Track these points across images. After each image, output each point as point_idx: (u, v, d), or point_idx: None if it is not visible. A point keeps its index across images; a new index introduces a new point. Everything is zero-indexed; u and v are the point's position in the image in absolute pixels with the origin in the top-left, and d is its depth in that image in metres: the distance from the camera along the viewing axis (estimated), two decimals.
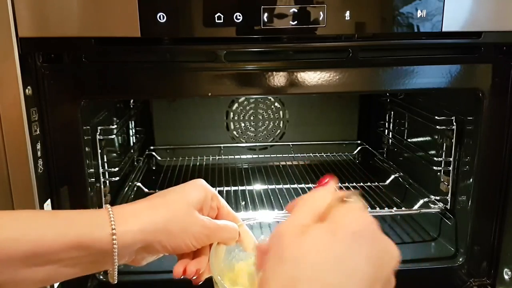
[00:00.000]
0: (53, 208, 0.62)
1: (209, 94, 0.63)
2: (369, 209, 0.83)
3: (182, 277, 0.45)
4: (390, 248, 0.31)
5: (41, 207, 0.59)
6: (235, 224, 0.48)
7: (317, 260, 0.28)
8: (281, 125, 1.17)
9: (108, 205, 0.43)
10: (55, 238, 0.38)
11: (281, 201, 0.88)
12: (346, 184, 0.96)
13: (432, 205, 0.81)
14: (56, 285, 0.63)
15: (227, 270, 0.48)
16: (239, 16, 0.55)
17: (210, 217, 0.47)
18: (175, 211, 0.43)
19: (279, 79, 0.62)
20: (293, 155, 1.16)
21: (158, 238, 0.42)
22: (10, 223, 0.38)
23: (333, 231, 0.30)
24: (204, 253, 0.46)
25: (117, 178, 0.82)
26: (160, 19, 0.54)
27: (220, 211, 0.49)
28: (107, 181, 0.79)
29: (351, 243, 0.29)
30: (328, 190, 0.35)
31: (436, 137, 0.83)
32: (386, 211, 0.82)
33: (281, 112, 1.16)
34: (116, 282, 0.43)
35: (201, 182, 0.48)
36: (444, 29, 0.59)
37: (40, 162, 0.59)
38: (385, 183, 0.97)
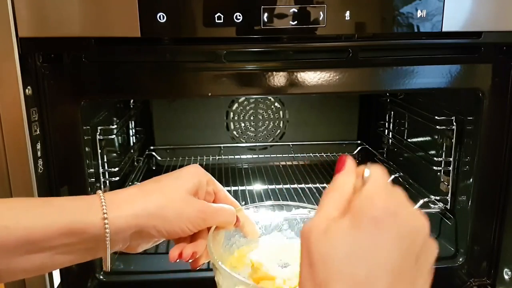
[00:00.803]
0: None
1: (209, 94, 0.63)
2: None
3: (177, 260, 0.45)
4: (416, 222, 0.29)
5: None
6: (232, 207, 0.47)
7: (344, 256, 0.28)
8: (281, 125, 1.17)
9: (100, 190, 0.42)
10: (47, 225, 0.38)
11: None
12: None
13: (432, 205, 0.81)
14: (56, 285, 0.63)
15: (227, 255, 0.47)
16: (239, 16, 0.55)
17: (207, 201, 0.46)
18: (169, 196, 0.43)
19: (279, 79, 0.62)
20: (293, 155, 1.16)
21: (152, 223, 0.42)
22: (2, 211, 0.38)
23: (355, 222, 0.29)
24: (202, 236, 0.46)
25: (117, 178, 0.82)
26: (160, 19, 0.54)
27: (217, 195, 0.48)
28: (107, 181, 0.79)
29: (374, 230, 0.28)
30: (347, 174, 0.33)
31: (436, 137, 0.83)
32: None
33: (281, 112, 1.16)
34: (109, 270, 0.43)
35: (195, 167, 0.47)
36: (444, 29, 0.59)
37: (40, 162, 0.59)
38: None
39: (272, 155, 1.17)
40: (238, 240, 0.49)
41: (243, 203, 0.88)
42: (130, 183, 0.95)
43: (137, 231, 0.42)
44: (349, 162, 0.34)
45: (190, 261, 0.46)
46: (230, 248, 0.49)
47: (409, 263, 0.28)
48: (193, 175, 0.46)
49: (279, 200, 0.89)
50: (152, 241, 0.46)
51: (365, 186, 0.31)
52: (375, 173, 0.31)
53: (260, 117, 1.16)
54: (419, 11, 0.58)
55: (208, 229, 0.46)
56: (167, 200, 0.42)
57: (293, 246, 0.49)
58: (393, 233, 0.28)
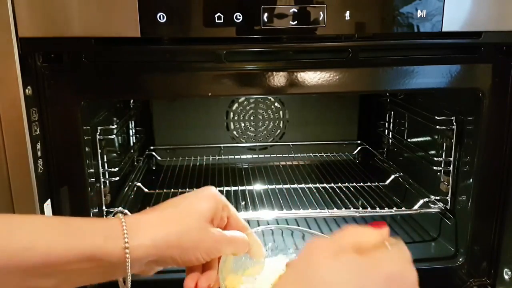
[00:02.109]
0: (53, 208, 0.62)
1: (209, 94, 0.63)
2: (369, 209, 0.83)
3: None
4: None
5: (41, 207, 0.59)
6: (245, 236, 0.48)
7: (343, 284, 0.29)
8: (281, 125, 1.17)
9: (120, 214, 0.42)
10: (66, 249, 0.38)
11: (281, 201, 0.88)
12: (346, 184, 0.96)
13: (432, 205, 0.81)
14: None
15: (234, 278, 0.48)
16: (239, 16, 0.55)
17: (219, 227, 0.46)
18: (188, 226, 0.43)
19: (279, 79, 0.62)
20: (293, 155, 1.16)
21: (170, 253, 0.42)
22: (20, 231, 0.37)
23: (368, 266, 0.30)
24: (213, 266, 0.46)
25: (117, 178, 0.82)
26: (160, 19, 0.54)
27: (230, 220, 0.48)
28: (107, 181, 0.79)
29: (382, 284, 0.30)
30: (379, 232, 0.35)
31: (436, 137, 0.83)
32: (386, 211, 0.82)
33: (281, 112, 1.16)
34: None
35: (212, 191, 0.47)
36: (444, 29, 0.59)
37: (40, 162, 0.59)
38: (385, 183, 0.97)
39: (272, 155, 1.17)
40: (245, 262, 0.50)
41: (243, 203, 0.88)
42: (130, 183, 0.95)
43: (154, 259, 0.42)
44: (385, 229, 0.36)
45: None
46: (238, 271, 0.49)
47: None
48: (210, 201, 0.46)
49: (279, 200, 0.89)
50: (165, 267, 0.46)
51: (394, 249, 0.33)
52: (403, 247, 0.34)
53: (260, 117, 1.16)
54: (419, 11, 0.58)
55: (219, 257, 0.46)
56: (186, 230, 0.42)
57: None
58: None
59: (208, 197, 0.46)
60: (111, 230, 0.40)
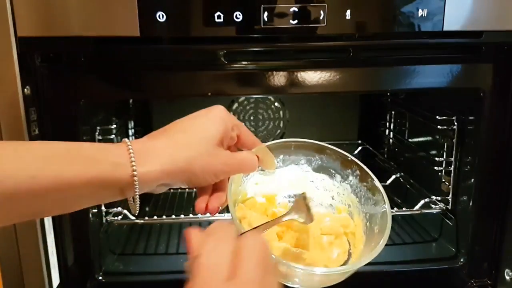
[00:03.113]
0: None
1: (209, 94, 0.62)
2: None
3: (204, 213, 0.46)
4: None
5: None
6: (254, 157, 0.47)
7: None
8: (281, 125, 1.17)
9: (126, 139, 0.42)
10: (74, 175, 0.38)
11: None
12: None
13: (433, 206, 0.81)
14: (55, 286, 0.63)
15: (242, 195, 0.51)
16: (239, 15, 0.55)
17: (229, 145, 0.47)
18: (197, 151, 0.43)
19: (279, 79, 0.62)
20: None
21: (179, 178, 0.42)
22: (27, 158, 0.37)
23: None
24: (223, 186, 0.47)
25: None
26: (159, 18, 0.54)
27: (241, 136, 0.48)
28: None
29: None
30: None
31: (437, 137, 0.83)
32: None
33: (281, 112, 1.16)
34: (137, 212, 0.44)
35: (221, 111, 0.46)
36: (445, 29, 0.58)
37: None
38: (386, 183, 0.97)
39: None
40: (256, 174, 0.51)
41: None
42: None
43: (163, 183, 0.42)
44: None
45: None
46: (246, 185, 0.51)
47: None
48: (219, 122, 0.45)
49: None
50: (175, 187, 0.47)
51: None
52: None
53: (260, 117, 1.15)
54: (420, 11, 0.57)
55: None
56: (194, 156, 0.42)
57: (306, 178, 0.53)
58: None
59: (217, 118, 0.45)
60: (119, 157, 0.40)
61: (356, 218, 0.51)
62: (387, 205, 0.47)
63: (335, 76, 0.62)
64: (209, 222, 0.75)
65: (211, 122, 0.45)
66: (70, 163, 0.39)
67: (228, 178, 0.47)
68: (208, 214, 0.48)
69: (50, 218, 0.62)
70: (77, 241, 0.66)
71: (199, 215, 0.78)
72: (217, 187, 0.47)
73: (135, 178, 0.40)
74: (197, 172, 0.43)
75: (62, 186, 0.38)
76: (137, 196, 0.41)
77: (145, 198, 0.98)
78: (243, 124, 0.49)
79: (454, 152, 0.75)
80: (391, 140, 1.09)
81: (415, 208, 0.81)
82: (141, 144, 0.42)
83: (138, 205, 0.42)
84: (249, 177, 0.52)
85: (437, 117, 0.78)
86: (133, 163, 0.40)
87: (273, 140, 1.18)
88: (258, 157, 0.48)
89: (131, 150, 0.40)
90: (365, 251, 0.46)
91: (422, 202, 0.81)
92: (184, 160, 0.42)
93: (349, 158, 0.51)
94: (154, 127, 1.12)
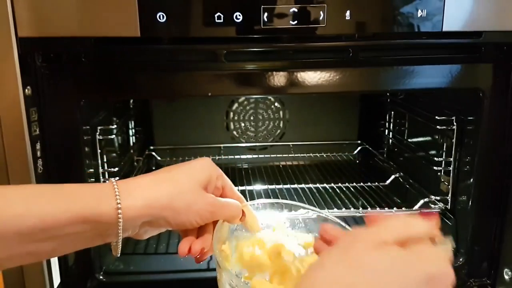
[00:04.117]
0: None
1: (209, 94, 0.62)
2: (370, 209, 0.83)
3: (187, 256, 0.45)
4: (436, 270, 0.31)
5: None
6: (239, 203, 0.48)
7: (379, 279, 0.29)
8: (281, 125, 1.17)
9: (112, 178, 0.43)
10: (60, 213, 0.38)
11: None
12: (346, 184, 0.96)
13: (432, 205, 0.81)
14: (55, 285, 0.63)
15: (228, 247, 0.48)
16: (239, 15, 0.55)
17: (214, 195, 0.47)
18: (180, 188, 0.43)
19: (279, 79, 0.62)
20: (293, 155, 1.15)
21: (163, 214, 0.42)
22: (14, 199, 0.38)
23: (408, 262, 0.30)
24: (208, 231, 0.47)
25: (117, 178, 0.81)
26: (160, 18, 0.54)
27: (225, 190, 0.49)
28: (107, 181, 0.78)
29: (422, 281, 0.30)
30: (427, 224, 0.35)
31: (437, 137, 0.83)
32: (386, 211, 0.82)
33: (281, 112, 1.16)
34: (119, 255, 0.44)
35: (207, 160, 0.47)
36: (444, 29, 0.58)
37: (40, 162, 0.59)
38: (386, 183, 0.97)
39: (272, 155, 1.17)
40: (241, 234, 0.50)
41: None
42: None
43: (147, 220, 0.42)
44: (436, 221, 0.36)
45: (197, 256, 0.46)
46: (232, 242, 0.50)
47: None
48: (204, 168, 0.46)
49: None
50: (159, 230, 0.47)
51: (439, 246, 0.33)
52: (449, 247, 0.34)
53: (260, 117, 1.16)
54: (419, 11, 0.57)
55: (214, 223, 0.46)
56: (178, 191, 0.43)
57: (289, 243, 0.50)
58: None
59: (202, 165, 0.46)
60: (104, 193, 0.40)
61: None
62: None
63: (335, 76, 0.62)
64: None
65: (196, 167, 0.46)
66: (56, 201, 0.39)
67: (214, 226, 0.46)
68: None
69: None
70: None
71: None
72: (202, 232, 0.47)
73: (119, 211, 0.40)
74: (180, 209, 0.42)
75: (48, 223, 0.38)
76: (121, 235, 0.41)
77: None
78: (228, 178, 0.49)
79: (453, 152, 0.75)
80: (390, 140, 1.09)
81: (414, 208, 0.81)
82: (125, 182, 0.43)
83: (120, 245, 0.42)
84: (234, 236, 0.50)
85: (437, 117, 0.78)
86: (117, 196, 0.40)
87: (273, 140, 1.19)
88: (243, 213, 0.48)
89: (115, 186, 0.41)
90: None
91: (421, 201, 0.81)
92: (168, 196, 0.42)
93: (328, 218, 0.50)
94: (154, 127, 1.14)
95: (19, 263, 0.41)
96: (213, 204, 0.45)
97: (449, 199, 0.78)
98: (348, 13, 0.56)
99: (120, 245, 0.42)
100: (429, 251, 0.32)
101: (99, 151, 0.73)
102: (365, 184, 0.97)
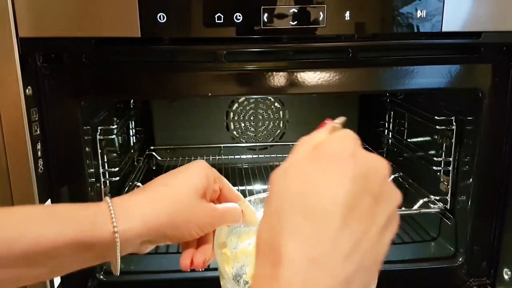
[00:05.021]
0: None
1: (209, 94, 0.63)
2: None
3: (189, 270, 0.44)
4: (375, 163, 0.30)
5: None
6: (237, 206, 0.47)
7: (298, 190, 0.28)
8: (281, 125, 1.17)
9: (107, 197, 0.41)
10: (54, 236, 0.37)
11: None
12: None
13: (432, 205, 0.81)
14: (56, 285, 0.63)
15: (229, 248, 0.49)
16: (239, 16, 0.55)
17: (212, 199, 0.46)
18: (180, 202, 0.41)
19: (279, 79, 0.62)
20: None
21: (163, 232, 0.41)
22: (6, 221, 0.37)
23: (313, 159, 0.30)
24: (208, 240, 0.46)
25: (117, 178, 0.82)
26: (160, 19, 0.54)
27: (223, 190, 0.48)
28: (107, 181, 0.79)
29: (330, 165, 0.29)
30: (325, 129, 0.35)
31: (436, 137, 0.83)
32: None
33: (281, 112, 1.16)
34: (118, 274, 0.42)
35: (202, 164, 0.46)
36: (444, 29, 0.59)
37: (41, 162, 0.59)
38: None
39: (272, 155, 1.17)
40: (240, 230, 0.50)
41: None
42: (130, 183, 0.95)
43: (147, 239, 0.41)
44: (331, 123, 0.35)
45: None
46: (232, 239, 0.50)
47: (366, 200, 0.28)
48: (201, 174, 0.44)
49: None
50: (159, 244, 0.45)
51: (336, 133, 0.32)
52: (346, 130, 0.33)
53: (260, 117, 1.16)
54: (418, 11, 0.58)
55: (213, 230, 0.46)
56: (178, 208, 0.41)
57: None
58: (349, 169, 0.28)
59: (199, 171, 0.44)
60: (99, 214, 0.39)
61: None
62: None
63: (335, 77, 0.62)
64: None
65: (193, 175, 0.44)
66: (50, 224, 0.37)
67: (213, 233, 0.45)
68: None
69: None
70: None
71: None
72: (201, 241, 0.46)
73: (116, 235, 0.38)
74: (180, 225, 0.41)
75: (42, 247, 0.36)
76: (119, 256, 0.39)
77: None
78: (224, 178, 0.48)
79: (452, 152, 0.76)
80: (390, 140, 1.09)
81: (414, 208, 0.81)
82: (121, 200, 0.41)
83: (119, 265, 0.40)
84: (233, 233, 0.50)
85: (436, 117, 0.78)
86: (113, 219, 0.38)
87: (273, 140, 1.19)
88: (242, 212, 0.47)
89: (111, 207, 0.39)
90: None
91: (421, 201, 0.81)
92: (167, 213, 0.41)
93: None
94: (155, 127, 1.14)
95: (14, 286, 0.39)
96: (213, 215, 0.44)
97: (449, 199, 0.78)
98: (347, 13, 0.56)
99: (119, 264, 0.41)
100: (326, 141, 0.31)
101: (99, 151, 0.73)
102: None
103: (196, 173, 0.44)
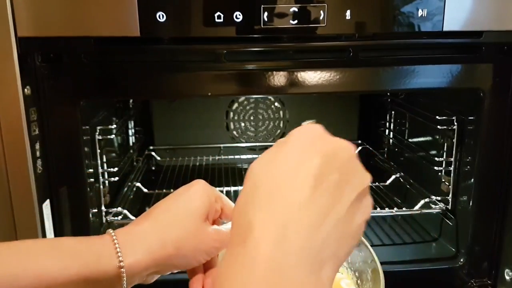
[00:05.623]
0: (52, 208, 0.61)
1: (209, 94, 0.62)
2: None
3: None
4: (339, 143, 0.32)
5: (40, 207, 0.59)
6: None
7: (269, 167, 0.30)
8: (281, 125, 1.17)
9: (111, 230, 0.40)
10: (59, 272, 0.36)
11: None
12: None
13: (433, 206, 0.81)
14: None
15: None
16: (239, 15, 0.55)
17: (214, 218, 0.45)
18: (185, 230, 0.41)
19: (279, 79, 0.62)
20: None
21: (170, 262, 0.40)
22: (9, 257, 0.36)
23: (283, 142, 0.31)
24: (214, 262, 0.45)
25: (117, 178, 0.81)
26: (159, 18, 0.54)
27: (224, 209, 0.47)
28: (107, 181, 0.78)
29: (298, 145, 0.30)
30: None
31: (437, 137, 0.83)
32: (386, 212, 0.82)
33: (281, 112, 1.16)
34: None
35: (202, 186, 0.45)
36: (445, 29, 0.58)
37: (39, 162, 0.59)
38: (386, 183, 0.97)
39: None
40: None
41: None
42: (129, 183, 0.95)
43: (153, 271, 0.41)
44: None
45: None
46: None
47: (333, 176, 0.29)
48: (203, 197, 0.44)
49: None
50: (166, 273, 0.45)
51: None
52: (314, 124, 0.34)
53: (260, 117, 1.15)
54: (419, 11, 0.57)
55: None
56: (184, 236, 0.41)
57: None
58: (317, 147, 0.30)
59: (200, 193, 0.44)
60: (104, 250, 0.38)
61: (346, 276, 0.49)
62: (377, 263, 0.43)
63: (335, 76, 0.62)
64: None
65: (195, 197, 0.43)
66: (52, 259, 0.37)
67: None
68: None
69: (50, 218, 0.62)
70: None
71: None
72: (208, 265, 0.45)
73: (122, 270, 0.38)
74: (188, 255, 0.41)
75: (46, 283, 0.36)
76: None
77: (145, 198, 0.98)
78: (224, 195, 0.47)
79: (454, 152, 0.75)
80: (391, 140, 1.09)
81: (415, 208, 0.81)
82: (125, 232, 0.40)
83: None
84: None
85: (437, 117, 0.78)
86: (119, 253, 0.38)
87: (273, 140, 1.19)
88: None
89: (115, 240, 0.39)
90: None
91: (422, 202, 0.81)
92: (173, 242, 0.40)
93: None
94: (154, 127, 1.14)
95: None
96: (218, 239, 0.43)
97: (450, 199, 0.78)
98: (348, 12, 0.56)
99: None
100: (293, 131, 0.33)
101: (98, 151, 0.73)
102: None
103: (198, 196, 0.44)
